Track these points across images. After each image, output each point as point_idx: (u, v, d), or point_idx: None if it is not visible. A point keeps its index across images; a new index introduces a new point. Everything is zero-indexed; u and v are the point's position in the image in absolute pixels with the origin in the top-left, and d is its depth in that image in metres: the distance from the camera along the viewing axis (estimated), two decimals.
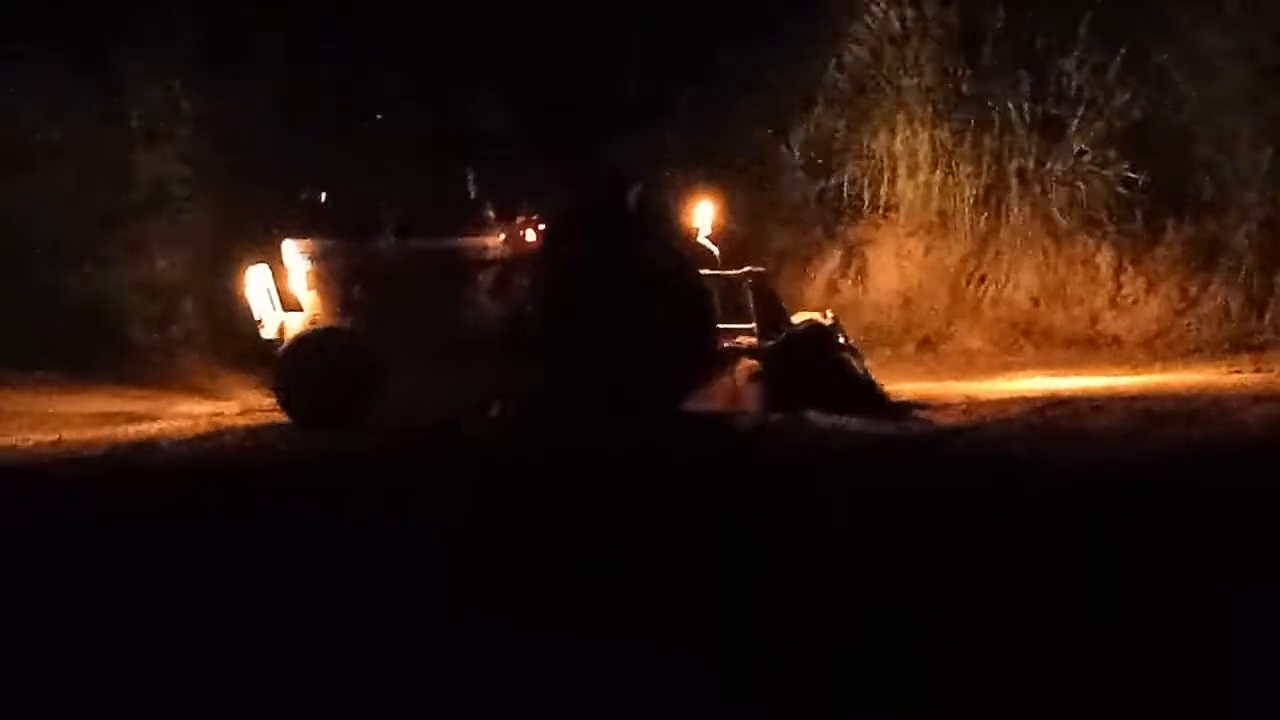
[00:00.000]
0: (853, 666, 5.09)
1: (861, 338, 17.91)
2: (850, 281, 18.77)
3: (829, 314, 13.33)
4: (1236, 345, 16.48)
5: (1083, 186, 18.00)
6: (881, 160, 18.89)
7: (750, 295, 12.70)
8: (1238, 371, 14.50)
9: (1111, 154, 17.81)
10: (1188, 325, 17.15)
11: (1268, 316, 16.80)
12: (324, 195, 12.80)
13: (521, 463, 10.31)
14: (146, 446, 11.59)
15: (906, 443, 10.72)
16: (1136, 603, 5.75)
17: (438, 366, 12.05)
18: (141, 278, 17.57)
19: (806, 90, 19.04)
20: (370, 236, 12.66)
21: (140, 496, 9.60)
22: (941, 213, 18.58)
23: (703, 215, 12.85)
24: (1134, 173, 17.66)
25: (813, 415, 11.60)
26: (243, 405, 14.03)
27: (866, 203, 18.92)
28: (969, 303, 18.21)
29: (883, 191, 18.87)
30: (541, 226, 12.65)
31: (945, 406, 12.45)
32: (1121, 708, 4.66)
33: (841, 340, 12.66)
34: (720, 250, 12.91)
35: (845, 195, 19.01)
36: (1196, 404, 11.85)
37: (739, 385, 12.23)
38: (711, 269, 12.65)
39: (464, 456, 10.69)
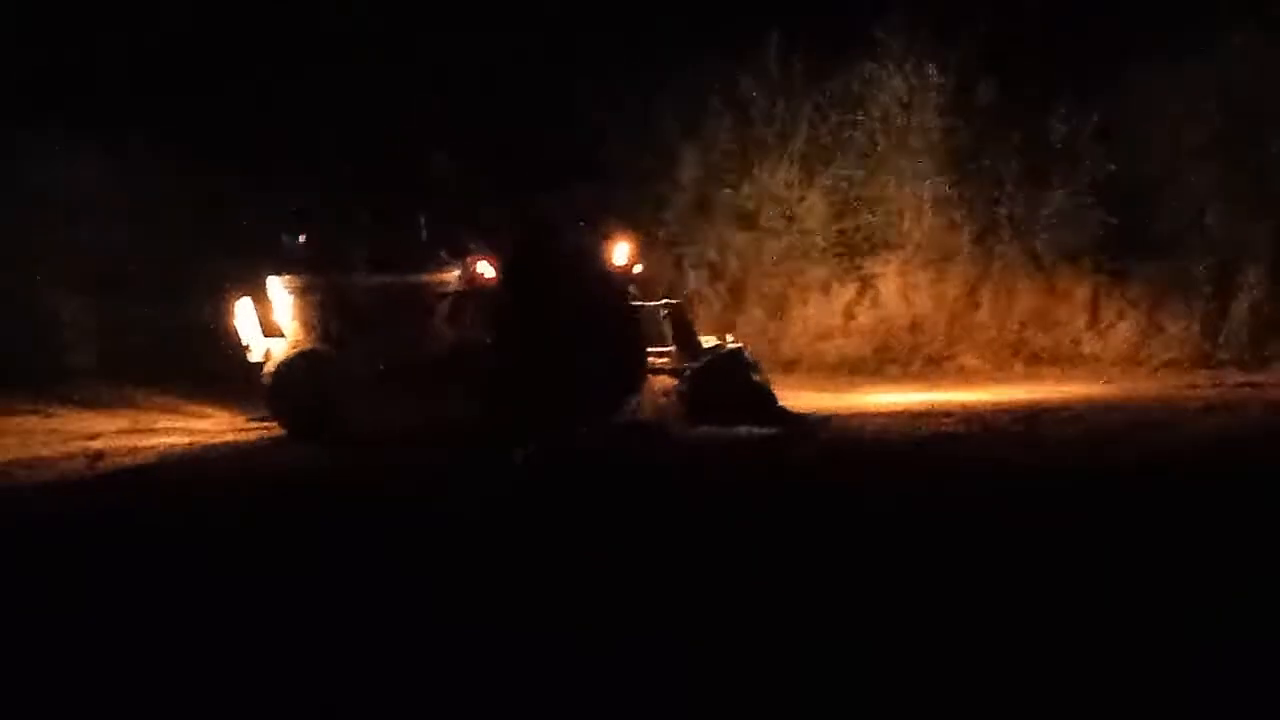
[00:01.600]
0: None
1: (874, 357, 19.27)
2: (865, 308, 19.71)
3: (729, 337, 14.10)
4: (1195, 364, 17.82)
5: (1064, 229, 19.19)
6: (892, 205, 19.97)
7: (668, 323, 13.56)
8: (1196, 387, 15.58)
9: (1089, 201, 19.06)
10: (1154, 347, 18.31)
11: (1221, 339, 18.14)
12: (302, 237, 13.54)
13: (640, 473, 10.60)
14: (247, 452, 12.47)
15: (918, 446, 11.52)
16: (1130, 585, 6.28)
17: (402, 384, 12.94)
18: (92, 311, 17.66)
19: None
20: (343, 273, 13.40)
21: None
22: (943, 251, 19.64)
23: (622, 254, 13.50)
24: (1109, 217, 18.91)
25: (833, 424, 12.69)
26: (228, 423, 14.51)
27: (879, 241, 20.00)
28: (967, 327, 19.29)
29: (893, 232, 19.93)
30: (487, 264, 13.15)
31: (946, 415, 13.32)
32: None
33: (749, 361, 13.50)
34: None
35: (860, 235, 20.12)
36: (1163, 414, 12.83)
37: (658, 401, 13.05)
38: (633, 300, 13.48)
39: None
